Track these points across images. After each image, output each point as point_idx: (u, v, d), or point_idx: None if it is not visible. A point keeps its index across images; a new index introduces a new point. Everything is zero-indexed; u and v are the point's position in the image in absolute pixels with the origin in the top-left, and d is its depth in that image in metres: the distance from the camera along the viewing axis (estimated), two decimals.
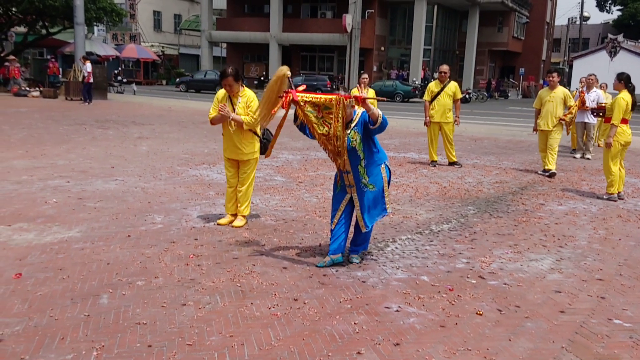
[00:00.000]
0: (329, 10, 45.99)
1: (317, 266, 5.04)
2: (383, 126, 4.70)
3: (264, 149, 6.18)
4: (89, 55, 24.88)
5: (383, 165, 5.02)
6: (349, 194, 5.04)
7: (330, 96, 4.73)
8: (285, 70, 4.85)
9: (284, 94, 4.76)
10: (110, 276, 4.69)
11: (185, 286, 4.52)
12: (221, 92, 6.11)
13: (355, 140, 4.81)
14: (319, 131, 4.81)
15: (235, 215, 6.37)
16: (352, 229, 5.29)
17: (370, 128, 4.74)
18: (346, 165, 4.89)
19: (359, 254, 5.30)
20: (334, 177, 5.28)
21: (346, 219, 5.12)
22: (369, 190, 4.97)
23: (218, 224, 6.28)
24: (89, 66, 23.14)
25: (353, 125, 4.83)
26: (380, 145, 5.07)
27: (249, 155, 6.13)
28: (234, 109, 5.97)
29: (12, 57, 30.18)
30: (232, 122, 5.96)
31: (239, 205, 6.32)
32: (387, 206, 5.11)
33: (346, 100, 4.68)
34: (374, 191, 4.98)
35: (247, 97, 5.99)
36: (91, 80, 23.34)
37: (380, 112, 4.65)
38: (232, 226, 6.24)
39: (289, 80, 4.84)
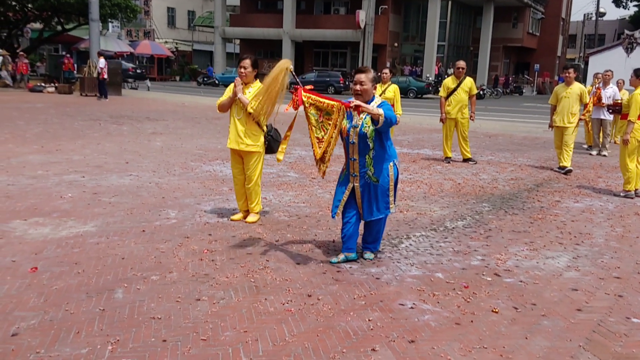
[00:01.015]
0: (342, 6, 45.93)
1: (330, 262, 5.02)
2: (387, 124, 4.64)
3: (269, 149, 6.14)
4: (104, 52, 25.00)
5: (392, 163, 4.94)
6: (351, 184, 4.97)
7: (333, 102, 4.69)
8: (289, 64, 4.83)
9: (294, 92, 4.72)
10: (125, 271, 4.70)
11: (200, 281, 4.52)
12: (235, 82, 6.11)
13: (369, 126, 4.72)
14: (315, 134, 4.82)
15: (247, 212, 6.37)
16: (362, 225, 5.26)
17: (374, 127, 4.70)
18: (354, 152, 4.84)
19: (372, 251, 5.27)
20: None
21: (357, 216, 5.07)
22: (372, 183, 4.90)
23: (231, 220, 6.28)
24: (102, 62, 23.23)
25: None
26: (392, 142, 5.02)
27: (250, 146, 6.01)
28: None
29: (4, 53, 30.09)
30: (239, 103, 5.91)
31: (248, 203, 6.31)
32: (391, 206, 5.02)
33: (347, 109, 4.64)
34: (377, 185, 4.90)
35: (259, 88, 5.98)
36: (105, 76, 23.40)
37: (382, 111, 4.56)
38: (246, 222, 6.24)
39: (293, 74, 4.81)
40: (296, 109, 4.75)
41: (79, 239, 5.47)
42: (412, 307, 4.19)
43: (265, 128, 6.09)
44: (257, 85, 6.01)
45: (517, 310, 4.21)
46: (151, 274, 4.63)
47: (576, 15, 72.61)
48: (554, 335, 3.83)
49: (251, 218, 6.27)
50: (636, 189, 8.30)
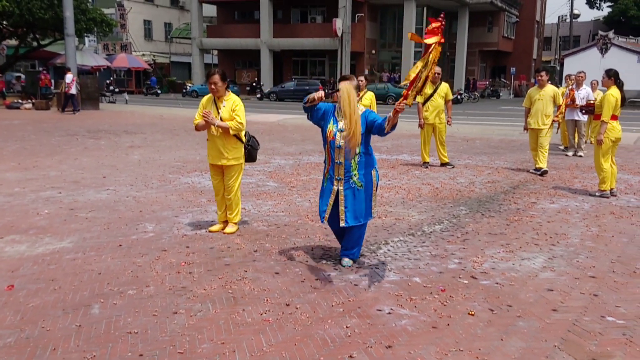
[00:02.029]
0: (318, 14, 46.08)
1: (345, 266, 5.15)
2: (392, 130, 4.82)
3: (249, 157, 6.21)
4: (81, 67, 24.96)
5: (374, 169, 5.05)
6: (335, 187, 5.01)
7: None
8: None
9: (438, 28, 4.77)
10: (102, 286, 4.67)
11: (177, 294, 4.51)
12: (206, 98, 6.12)
13: None
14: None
15: (226, 223, 6.37)
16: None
17: (385, 132, 4.77)
18: (340, 156, 4.91)
19: (352, 258, 5.27)
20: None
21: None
22: (356, 187, 4.96)
23: (210, 231, 6.27)
24: (69, 77, 23.57)
25: None
26: (372, 149, 5.11)
27: (232, 160, 6.07)
28: (218, 113, 5.96)
29: None
30: (217, 128, 5.96)
31: (228, 213, 6.31)
32: (372, 211, 5.11)
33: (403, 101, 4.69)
34: (361, 190, 4.97)
35: (233, 102, 5.99)
36: (71, 91, 23.67)
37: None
38: (224, 233, 6.23)
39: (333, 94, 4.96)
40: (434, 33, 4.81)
41: (55, 256, 5.43)
42: (389, 313, 4.21)
43: (244, 138, 6.12)
44: (230, 98, 6.02)
45: (493, 312, 4.25)
46: (128, 289, 4.61)
47: (550, 18, 73.55)
48: (529, 335, 3.87)
49: (230, 229, 6.27)
50: (611, 189, 8.41)
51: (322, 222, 5.14)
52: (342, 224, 5.03)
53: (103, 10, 34.91)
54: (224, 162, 6.08)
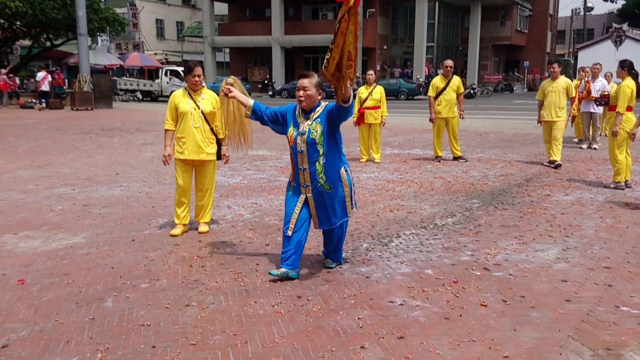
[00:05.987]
0: (330, 11, 45.98)
1: (270, 274, 4.67)
2: (351, 109, 4.42)
3: (219, 154, 6.05)
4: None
5: (343, 169, 4.64)
6: (303, 195, 4.65)
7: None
8: (229, 80, 4.80)
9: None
10: (115, 280, 4.70)
11: (189, 287, 4.52)
12: (178, 93, 5.90)
13: (316, 131, 4.48)
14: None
15: (185, 225, 6.12)
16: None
17: (343, 106, 4.30)
18: (304, 161, 4.56)
19: (335, 261, 5.02)
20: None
21: (305, 231, 4.69)
22: (325, 191, 4.58)
23: (172, 235, 5.96)
24: (39, 75, 25.88)
25: (315, 116, 4.54)
26: (342, 146, 4.73)
27: (210, 155, 5.91)
28: (198, 106, 5.78)
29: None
30: (196, 110, 5.78)
31: (202, 213, 6.12)
32: (349, 211, 4.73)
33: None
34: (330, 192, 4.58)
35: (212, 95, 5.89)
36: (42, 88, 26.12)
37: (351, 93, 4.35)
38: (199, 233, 6.04)
39: (234, 86, 4.76)
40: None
41: (68, 251, 5.47)
42: (401, 304, 4.19)
43: (223, 134, 5.93)
44: (208, 91, 5.91)
45: (506, 303, 4.22)
46: (140, 282, 4.63)
47: (564, 11, 72.81)
48: (542, 326, 3.84)
49: (205, 228, 6.10)
50: (626, 180, 8.33)
51: (285, 234, 4.65)
52: (315, 227, 4.78)
53: (115, 9, 35.16)
54: (203, 157, 5.86)
